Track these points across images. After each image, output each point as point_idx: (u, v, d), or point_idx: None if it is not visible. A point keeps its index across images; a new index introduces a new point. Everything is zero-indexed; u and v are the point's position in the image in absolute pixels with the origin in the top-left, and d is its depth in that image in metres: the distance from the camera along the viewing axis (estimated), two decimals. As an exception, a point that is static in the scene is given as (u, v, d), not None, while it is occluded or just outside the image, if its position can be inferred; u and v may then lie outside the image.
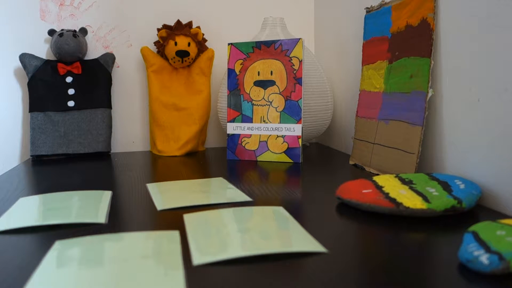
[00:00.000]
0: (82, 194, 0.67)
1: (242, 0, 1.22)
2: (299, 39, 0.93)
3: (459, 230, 0.50)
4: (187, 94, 1.11)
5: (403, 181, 0.62)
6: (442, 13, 0.69)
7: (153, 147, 1.13)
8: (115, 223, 0.56)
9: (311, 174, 0.84)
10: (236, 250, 0.45)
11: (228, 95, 0.98)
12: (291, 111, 0.93)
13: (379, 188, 0.60)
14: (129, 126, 1.19)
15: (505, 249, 0.39)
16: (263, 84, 0.95)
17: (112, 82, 1.12)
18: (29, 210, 0.61)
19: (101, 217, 0.57)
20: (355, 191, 0.60)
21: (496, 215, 0.56)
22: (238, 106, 0.97)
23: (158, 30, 1.10)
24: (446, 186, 0.59)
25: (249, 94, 0.96)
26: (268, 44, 0.95)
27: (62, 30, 1.07)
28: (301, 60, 0.92)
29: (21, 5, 1.10)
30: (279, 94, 0.94)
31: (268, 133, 0.95)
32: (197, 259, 0.43)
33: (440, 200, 0.54)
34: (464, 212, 0.55)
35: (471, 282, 0.39)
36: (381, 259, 0.45)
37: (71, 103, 1.06)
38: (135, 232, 0.51)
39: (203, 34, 1.11)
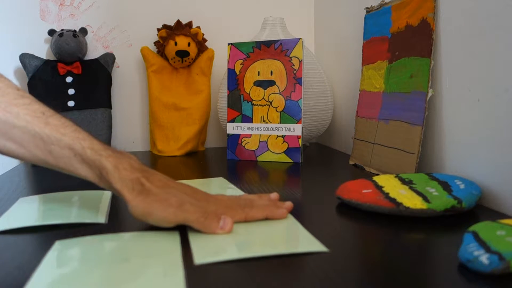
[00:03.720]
0: (82, 194, 0.67)
1: (242, 0, 1.22)
2: (299, 39, 0.93)
3: (459, 230, 0.50)
4: (187, 94, 1.11)
5: (403, 181, 0.62)
6: (442, 13, 0.69)
7: (153, 147, 1.13)
8: (115, 223, 0.56)
9: (311, 174, 0.84)
10: (236, 250, 0.45)
11: (228, 95, 0.98)
12: (291, 111, 0.93)
13: (379, 188, 0.60)
14: (129, 126, 1.18)
15: (505, 249, 0.39)
16: (263, 84, 0.95)
17: (112, 82, 1.12)
18: (29, 210, 0.61)
19: (101, 217, 0.56)
20: (355, 191, 0.60)
21: (496, 215, 0.56)
22: (238, 106, 0.97)
23: (158, 30, 1.10)
24: (446, 186, 0.59)
25: (249, 94, 0.96)
26: (268, 44, 0.95)
27: (62, 30, 1.07)
28: (301, 60, 0.92)
29: (21, 5, 1.10)
30: (279, 94, 0.94)
31: (268, 133, 0.95)
32: (199, 259, 0.43)
33: (440, 200, 0.54)
34: (464, 212, 0.55)
35: (471, 282, 0.39)
36: (381, 259, 0.45)
37: (71, 103, 1.06)
38: (135, 232, 0.51)
39: (203, 34, 1.11)
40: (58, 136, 0.53)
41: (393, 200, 0.55)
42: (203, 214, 0.50)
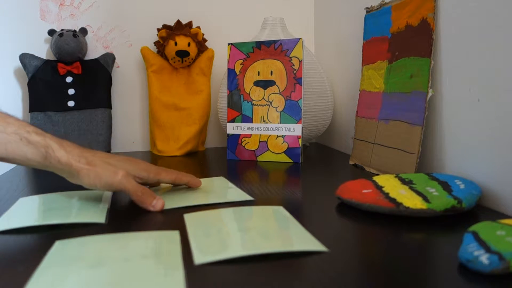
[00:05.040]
0: (82, 194, 0.67)
1: (242, 0, 1.22)
2: (299, 39, 0.93)
3: (459, 230, 0.50)
4: (187, 94, 1.11)
5: (403, 181, 0.62)
6: (442, 13, 0.69)
7: (153, 147, 1.13)
8: (115, 223, 0.56)
9: (311, 174, 0.84)
10: (236, 250, 0.45)
11: (228, 95, 0.98)
12: (291, 111, 0.93)
13: (379, 188, 0.60)
14: (129, 126, 1.18)
15: (505, 249, 0.39)
16: (263, 84, 0.95)
17: (112, 82, 1.12)
18: (29, 210, 0.61)
19: (101, 217, 0.56)
20: (355, 191, 0.60)
21: (496, 215, 0.56)
22: (238, 106, 0.97)
23: (158, 30, 1.10)
24: (446, 186, 0.59)
25: (249, 94, 0.96)
26: (268, 44, 0.95)
27: (62, 30, 1.07)
28: (301, 60, 0.92)
29: (21, 5, 1.10)
30: (279, 94, 0.94)
31: (268, 133, 0.95)
32: (199, 258, 0.43)
33: (440, 200, 0.54)
34: (464, 212, 0.55)
35: (471, 282, 0.39)
36: (381, 259, 0.45)
37: (71, 103, 1.06)
38: (135, 232, 0.51)
39: (203, 34, 1.11)
40: (4, 124, 0.58)
41: (393, 200, 0.55)
42: (141, 190, 0.60)
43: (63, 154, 0.58)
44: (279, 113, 0.94)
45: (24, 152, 0.58)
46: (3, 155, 0.58)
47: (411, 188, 0.59)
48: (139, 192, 0.59)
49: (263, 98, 0.95)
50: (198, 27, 1.11)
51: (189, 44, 1.07)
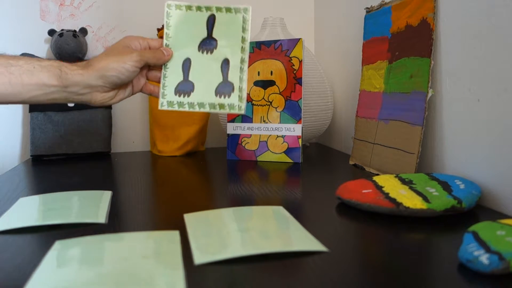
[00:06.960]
0: (82, 194, 0.67)
1: (242, 0, 1.22)
2: (299, 39, 0.93)
3: (459, 230, 0.50)
4: (187, 94, 1.11)
5: (403, 181, 0.62)
6: (442, 13, 0.69)
7: (153, 147, 1.13)
8: (115, 223, 0.56)
9: (311, 174, 0.84)
10: (236, 250, 0.45)
11: (228, 95, 0.98)
12: (291, 111, 0.93)
13: (379, 188, 0.60)
14: (129, 126, 1.18)
15: (505, 249, 0.39)
16: (263, 84, 0.95)
17: (112, 82, 1.12)
18: (29, 210, 0.61)
19: (101, 217, 0.56)
20: (355, 191, 0.60)
21: (496, 215, 0.56)
22: (238, 106, 0.97)
23: (158, 30, 1.10)
24: (446, 186, 0.59)
25: (249, 94, 0.96)
26: (268, 44, 0.95)
27: (62, 30, 1.07)
28: (301, 60, 0.92)
29: (21, 5, 1.10)
30: (279, 94, 0.94)
31: (268, 133, 0.95)
32: (198, 258, 0.43)
33: (440, 200, 0.54)
34: (464, 212, 0.55)
35: (471, 282, 0.39)
36: (381, 259, 0.45)
37: (71, 103, 1.06)
38: (135, 232, 0.51)
39: (203, 34, 1.11)
40: (15, 59, 0.62)
41: (393, 200, 0.55)
42: (151, 52, 0.65)
43: (80, 65, 0.63)
44: (279, 113, 0.94)
45: (40, 78, 0.61)
46: (19, 89, 0.61)
47: (411, 188, 0.59)
48: (153, 53, 0.65)
49: (263, 98, 0.95)
50: (198, 27, 1.10)
51: (189, 44, 1.07)
